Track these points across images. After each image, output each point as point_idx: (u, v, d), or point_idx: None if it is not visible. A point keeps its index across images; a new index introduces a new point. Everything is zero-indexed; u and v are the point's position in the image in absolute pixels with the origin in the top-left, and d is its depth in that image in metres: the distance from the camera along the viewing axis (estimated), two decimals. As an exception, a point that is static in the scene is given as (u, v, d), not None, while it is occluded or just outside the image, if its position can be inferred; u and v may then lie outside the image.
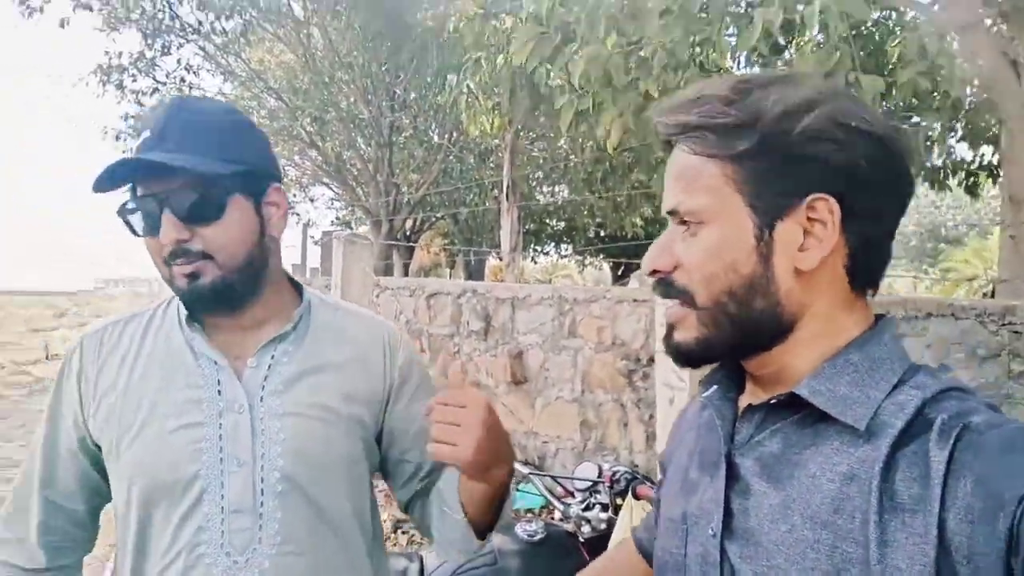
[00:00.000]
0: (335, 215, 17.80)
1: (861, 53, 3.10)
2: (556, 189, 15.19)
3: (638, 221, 12.88)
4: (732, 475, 0.80)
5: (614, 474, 2.13)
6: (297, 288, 1.31)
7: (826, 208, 0.73)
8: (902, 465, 0.67)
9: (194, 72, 13.39)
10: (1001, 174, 7.39)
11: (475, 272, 16.45)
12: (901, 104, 4.05)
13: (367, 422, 1.24)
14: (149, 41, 12.36)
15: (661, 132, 0.81)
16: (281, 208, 1.21)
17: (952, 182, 7.71)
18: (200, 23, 12.38)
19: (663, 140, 0.82)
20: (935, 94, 4.58)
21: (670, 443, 1.03)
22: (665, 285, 0.80)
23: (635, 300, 4.98)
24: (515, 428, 5.66)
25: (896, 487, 0.66)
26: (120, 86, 12.79)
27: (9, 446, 7.63)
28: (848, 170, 0.72)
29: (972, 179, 7.48)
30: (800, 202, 0.73)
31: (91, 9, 11.91)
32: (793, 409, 0.76)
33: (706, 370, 0.90)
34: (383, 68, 11.22)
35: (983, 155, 7.38)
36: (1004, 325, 3.56)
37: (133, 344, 1.21)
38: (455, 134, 12.03)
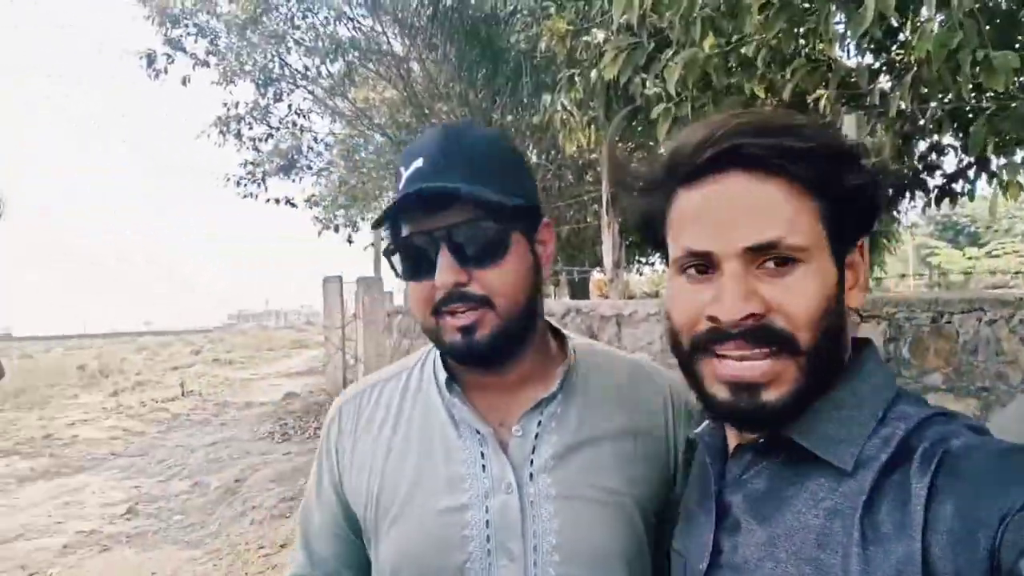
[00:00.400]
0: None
1: (988, 28, 2.81)
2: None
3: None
4: (722, 512, 0.81)
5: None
6: (560, 337, 1.14)
7: (861, 250, 0.77)
8: (887, 495, 0.67)
9: (304, 116, 14.15)
10: None
11: (579, 289, 16.35)
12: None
13: (651, 506, 1.05)
14: (262, 90, 13.16)
15: (759, 153, 0.72)
16: (549, 246, 1.07)
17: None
18: (307, 68, 13.08)
19: (717, 160, 0.74)
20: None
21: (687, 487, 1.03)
22: (759, 332, 0.72)
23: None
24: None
25: (880, 518, 0.66)
26: (239, 135, 13.67)
27: (149, 482, 8.18)
28: (881, 210, 0.77)
29: None
30: (855, 244, 0.77)
31: (208, 65, 12.82)
32: (781, 447, 0.77)
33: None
34: (479, 95, 11.43)
35: None
36: None
37: (391, 411, 1.11)
38: (552, 152, 12.05)
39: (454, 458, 1.02)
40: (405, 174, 0.99)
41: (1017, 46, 3.61)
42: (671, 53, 3.19)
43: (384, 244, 1.05)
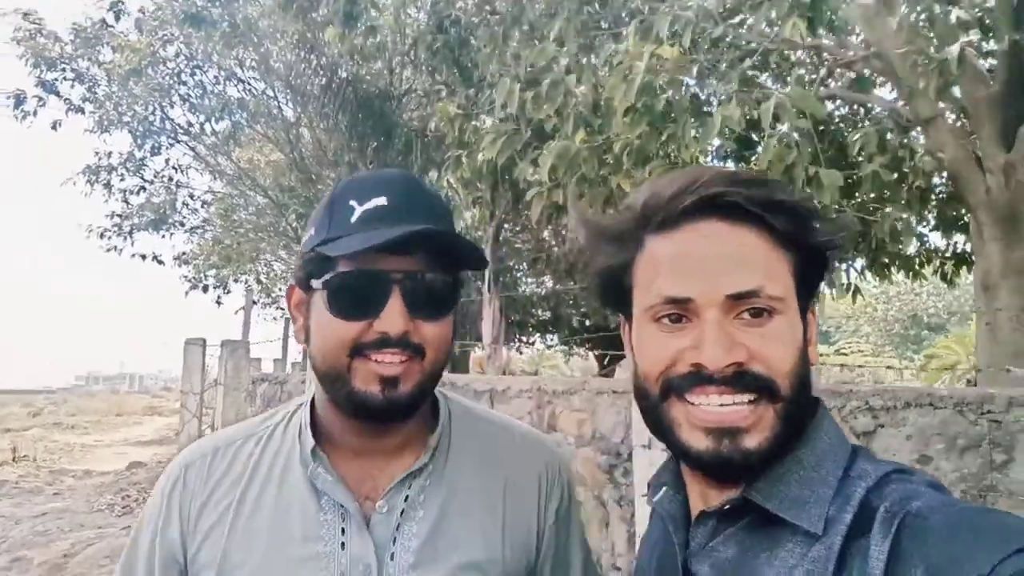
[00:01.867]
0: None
1: (822, 147, 3.19)
2: (541, 280, 15.32)
3: (621, 312, 12.87)
4: None
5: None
6: (435, 402, 1.08)
7: (811, 306, 0.78)
8: (854, 560, 0.66)
9: (183, 171, 13.67)
10: (973, 262, 7.57)
11: (459, 364, 16.32)
12: (867, 196, 4.15)
13: (522, 566, 1.01)
14: (139, 142, 12.65)
15: (742, 201, 0.73)
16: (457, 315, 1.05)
17: (928, 270, 7.85)
18: (191, 124, 12.72)
19: (694, 208, 0.75)
20: (903, 185, 4.69)
21: (639, 557, 0.99)
22: (742, 378, 0.72)
23: (614, 391, 4.91)
24: (495, 528, 5.45)
25: None
26: (108, 185, 12.98)
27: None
28: (828, 269, 0.78)
29: (946, 267, 7.63)
30: (809, 301, 0.77)
31: (83, 112, 12.22)
32: (745, 511, 0.74)
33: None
34: (369, 166, 11.51)
35: (956, 243, 7.56)
36: (983, 414, 3.51)
37: (245, 476, 1.00)
38: (439, 228, 12.18)
39: (311, 535, 0.95)
40: (360, 207, 0.92)
41: (849, 166, 4.08)
42: (545, 144, 3.40)
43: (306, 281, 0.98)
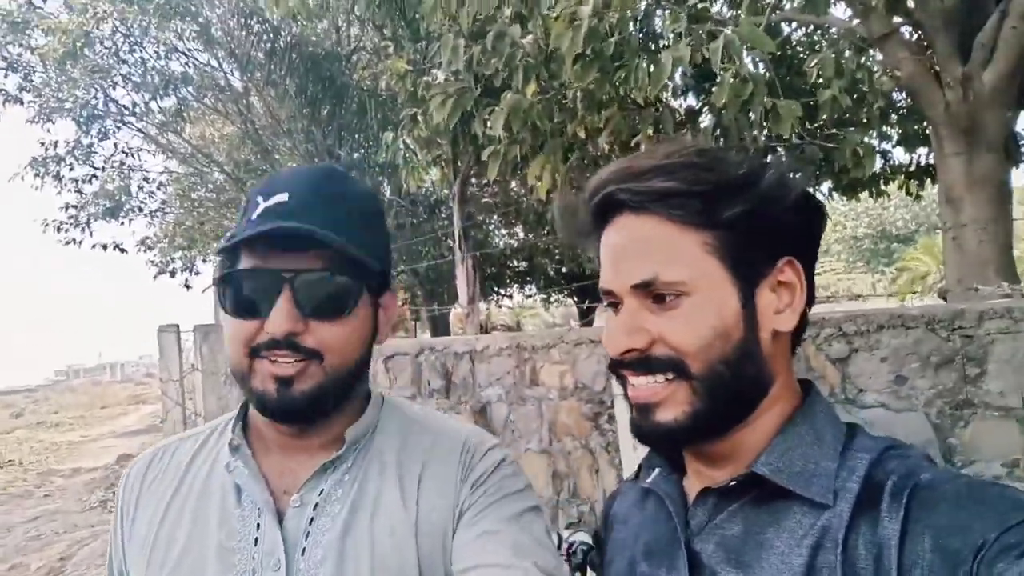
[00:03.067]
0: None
1: (780, 74, 3.12)
2: (512, 231, 15.23)
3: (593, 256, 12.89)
4: (693, 564, 0.78)
5: (570, 546, 2.00)
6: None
7: (792, 270, 0.76)
8: (862, 531, 0.67)
9: (134, 154, 13.25)
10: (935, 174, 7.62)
11: (441, 325, 16.31)
12: (824, 121, 4.10)
13: (438, 564, 0.96)
14: (85, 128, 12.20)
15: (627, 199, 0.76)
16: (391, 314, 1.03)
17: (892, 187, 7.88)
18: (136, 104, 12.29)
19: (601, 207, 0.79)
20: (863, 107, 4.65)
21: (607, 534, 0.97)
22: (642, 362, 0.76)
23: (592, 341, 4.90)
24: (486, 486, 5.50)
25: (858, 552, 0.67)
26: (58, 176, 12.57)
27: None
28: (803, 233, 0.77)
29: (911, 181, 7.67)
30: (773, 267, 0.76)
31: (22, 103, 11.74)
32: (749, 487, 0.76)
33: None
34: (323, 131, 11.23)
35: (919, 157, 7.58)
36: (955, 330, 3.55)
37: (177, 475, 1.01)
38: (404, 188, 12.02)
39: (228, 530, 0.94)
40: (263, 204, 0.91)
41: (808, 93, 4.01)
42: (492, 99, 3.30)
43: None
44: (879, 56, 4.77)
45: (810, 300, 0.80)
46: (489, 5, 3.05)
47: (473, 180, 10.49)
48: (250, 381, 0.91)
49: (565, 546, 2.17)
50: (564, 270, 15.73)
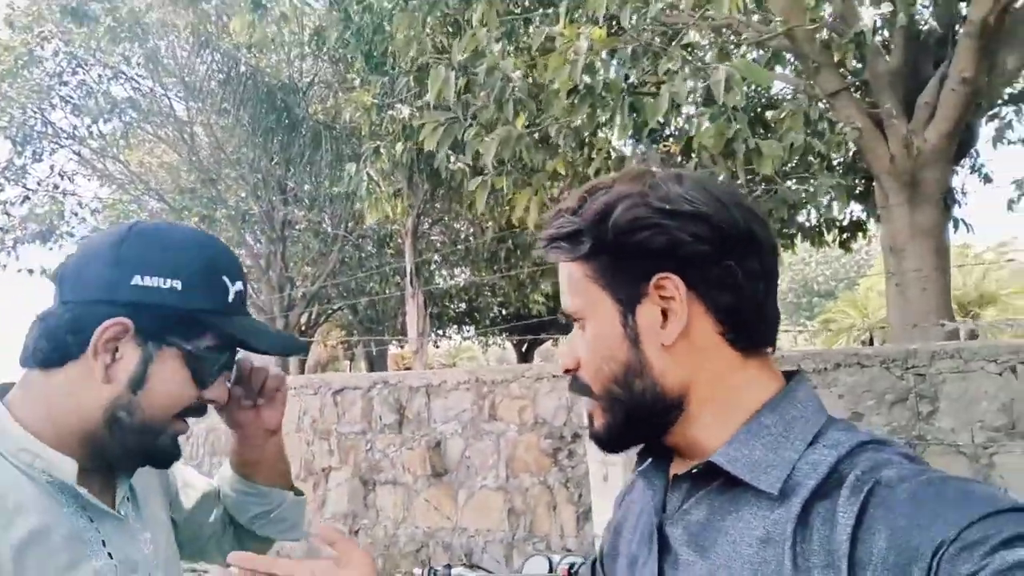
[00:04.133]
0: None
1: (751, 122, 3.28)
2: (456, 272, 15.23)
3: (540, 299, 13.03)
4: (664, 547, 0.82)
5: (571, 568, 1.99)
6: None
7: (672, 285, 0.78)
8: (816, 524, 0.68)
9: (68, 178, 12.76)
10: (867, 229, 8.07)
11: (377, 363, 16.04)
12: (791, 169, 4.32)
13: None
14: (19, 148, 11.70)
15: (540, 247, 0.87)
16: None
17: (829, 238, 8.30)
18: (75, 127, 11.88)
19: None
20: (819, 157, 4.91)
21: (615, 517, 1.03)
22: (574, 382, 0.85)
23: (554, 376, 4.92)
24: (439, 525, 5.38)
25: (811, 546, 0.67)
26: (-14, 197, 11.99)
27: None
28: (673, 249, 0.78)
29: (845, 235, 8.10)
30: (647, 285, 0.78)
31: (-48, 119, 11.21)
32: (714, 476, 0.78)
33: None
34: (273, 162, 11.08)
35: (852, 212, 8.03)
36: (908, 369, 3.73)
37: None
38: (351, 223, 11.92)
39: (81, 553, 0.95)
40: (232, 289, 1.03)
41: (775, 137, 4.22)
42: (481, 130, 3.35)
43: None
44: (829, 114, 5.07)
45: (753, 311, 0.79)
46: (477, 41, 3.13)
47: (420, 218, 10.51)
48: (158, 435, 1.00)
49: (563, 569, 2.16)
50: (505, 312, 15.80)
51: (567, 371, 0.86)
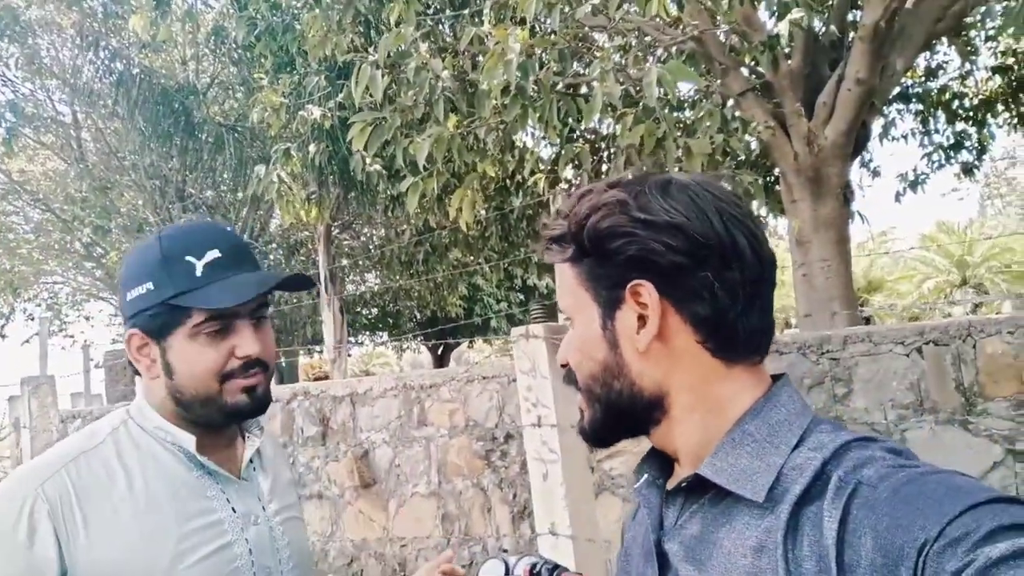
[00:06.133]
0: (116, 333, 16.07)
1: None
2: (366, 277, 14.97)
3: (458, 301, 12.99)
4: (664, 564, 0.82)
5: (532, 567, 1.98)
6: None
7: (646, 292, 0.79)
8: (805, 529, 0.68)
9: (-63, 188, 11.72)
10: (766, 224, 8.48)
11: (287, 375, 15.54)
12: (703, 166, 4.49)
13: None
14: None
15: (541, 248, 0.90)
16: None
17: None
18: (-56, 132, 10.91)
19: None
20: (726, 155, 5.12)
21: (624, 543, 1.02)
22: (567, 375, 0.89)
23: (484, 377, 4.91)
24: (369, 536, 5.27)
25: (802, 552, 0.67)
26: None
27: None
28: (646, 257, 0.79)
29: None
30: (624, 291, 0.80)
31: None
32: (706, 488, 0.79)
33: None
34: (171, 168, 10.54)
35: (756, 207, 8.42)
36: (823, 354, 3.93)
37: (117, 477, 1.14)
38: (257, 229, 11.50)
39: (207, 508, 1.17)
40: (200, 262, 1.13)
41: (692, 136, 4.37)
42: (410, 131, 3.31)
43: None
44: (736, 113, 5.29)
45: (732, 320, 0.78)
46: (403, 39, 3.08)
47: (333, 222, 10.25)
48: (222, 398, 1.16)
49: (525, 569, 2.14)
50: (420, 317, 15.66)
51: (563, 365, 0.89)
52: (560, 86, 3.10)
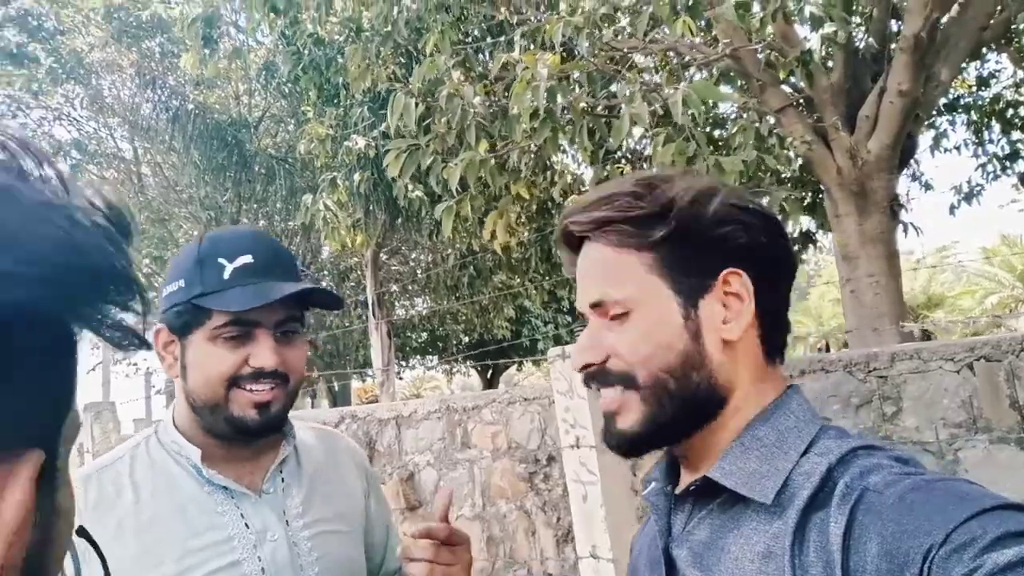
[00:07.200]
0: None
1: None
2: (415, 302, 15.16)
3: (504, 323, 13.04)
4: (672, 570, 0.81)
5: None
6: None
7: (739, 282, 0.79)
8: (811, 536, 0.68)
9: (11, 223, 12.35)
10: (817, 240, 8.31)
11: (340, 398, 15.80)
12: (745, 184, 4.45)
13: (360, 530, 1.31)
14: (-44, 195, 11.29)
15: (575, 230, 0.84)
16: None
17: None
18: (15, 171, 11.52)
19: (567, 239, 0.87)
20: (767, 172, 5.06)
21: (632, 556, 1.01)
22: (600, 375, 0.82)
23: (525, 399, 4.92)
24: (418, 556, 5.29)
25: (808, 558, 0.67)
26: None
27: None
28: (751, 248, 0.80)
29: (795, 246, 8.32)
30: (716, 279, 0.79)
31: None
32: (715, 494, 0.78)
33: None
34: (225, 199, 10.93)
35: (801, 224, 8.26)
36: (870, 372, 3.83)
37: (124, 493, 1.14)
38: (309, 256, 11.79)
39: (216, 524, 1.13)
40: (230, 265, 1.12)
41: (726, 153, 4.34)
42: (446, 156, 3.38)
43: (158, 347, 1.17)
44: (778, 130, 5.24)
45: (783, 319, 0.84)
46: (436, 68, 3.17)
47: (380, 245, 10.45)
48: (227, 408, 1.13)
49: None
50: (468, 340, 15.75)
51: (587, 367, 0.82)
52: (596, 108, 3.14)
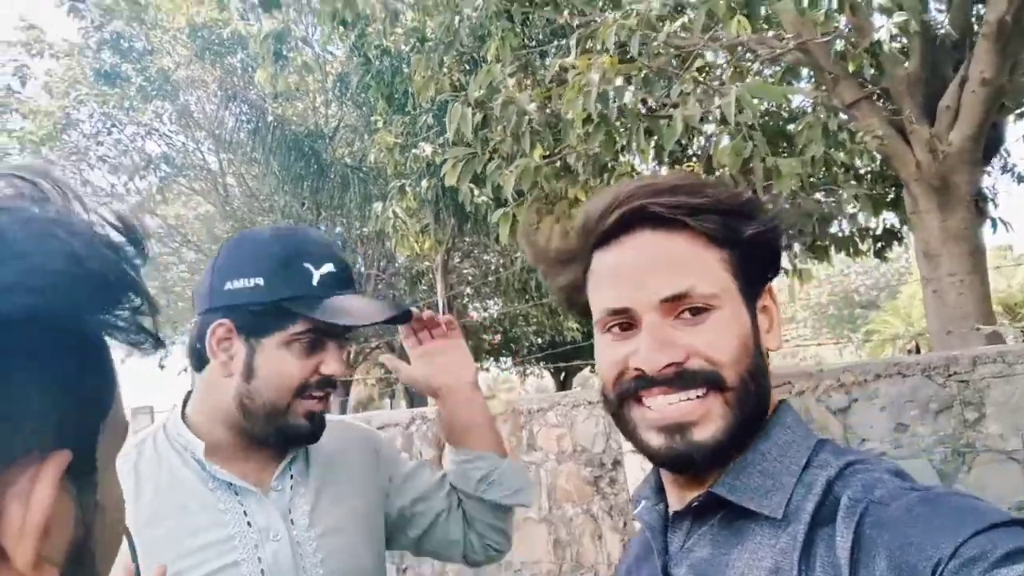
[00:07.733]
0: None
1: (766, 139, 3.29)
2: (488, 304, 15.30)
3: (574, 325, 13.01)
4: None
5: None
6: None
7: (770, 295, 0.80)
8: (819, 551, 0.67)
9: (107, 234, 13.17)
10: (903, 236, 7.93)
11: (417, 399, 16.09)
12: (817, 180, 4.31)
13: (379, 523, 1.30)
14: (59, 209, 12.12)
15: (664, 212, 0.77)
16: None
17: (864, 247, 8.16)
18: (113, 185, 12.33)
19: (620, 225, 0.80)
20: (843, 167, 4.89)
21: (620, 567, 0.99)
22: (683, 376, 0.75)
23: (590, 402, 4.90)
24: (486, 557, 5.35)
25: (816, 573, 0.67)
26: (28, 256, 12.41)
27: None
28: (780, 257, 0.82)
29: (879, 244, 7.95)
30: (764, 287, 0.80)
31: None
32: (715, 510, 0.76)
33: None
34: (304, 207, 11.34)
35: (885, 220, 7.89)
36: (950, 376, 3.64)
37: (126, 491, 1.12)
38: (383, 262, 12.09)
39: (218, 521, 1.11)
40: (317, 272, 1.12)
41: (786, 153, 4.22)
42: (502, 163, 3.43)
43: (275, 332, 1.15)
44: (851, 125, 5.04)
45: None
46: (492, 75, 3.22)
47: (449, 252, 10.62)
48: (285, 416, 1.13)
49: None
50: (541, 342, 15.77)
51: (668, 366, 0.74)
52: (651, 108, 3.11)
